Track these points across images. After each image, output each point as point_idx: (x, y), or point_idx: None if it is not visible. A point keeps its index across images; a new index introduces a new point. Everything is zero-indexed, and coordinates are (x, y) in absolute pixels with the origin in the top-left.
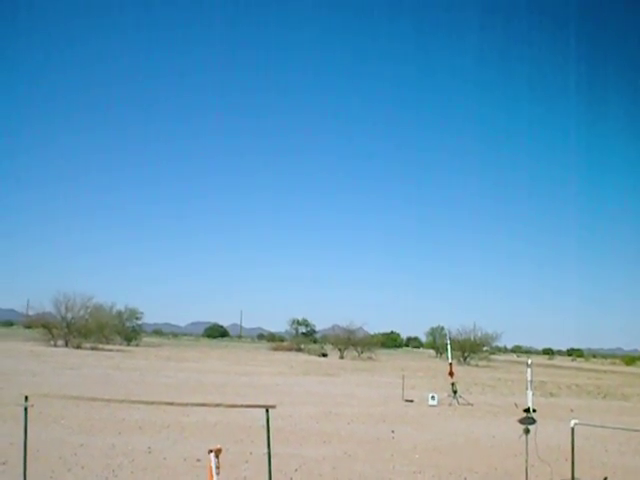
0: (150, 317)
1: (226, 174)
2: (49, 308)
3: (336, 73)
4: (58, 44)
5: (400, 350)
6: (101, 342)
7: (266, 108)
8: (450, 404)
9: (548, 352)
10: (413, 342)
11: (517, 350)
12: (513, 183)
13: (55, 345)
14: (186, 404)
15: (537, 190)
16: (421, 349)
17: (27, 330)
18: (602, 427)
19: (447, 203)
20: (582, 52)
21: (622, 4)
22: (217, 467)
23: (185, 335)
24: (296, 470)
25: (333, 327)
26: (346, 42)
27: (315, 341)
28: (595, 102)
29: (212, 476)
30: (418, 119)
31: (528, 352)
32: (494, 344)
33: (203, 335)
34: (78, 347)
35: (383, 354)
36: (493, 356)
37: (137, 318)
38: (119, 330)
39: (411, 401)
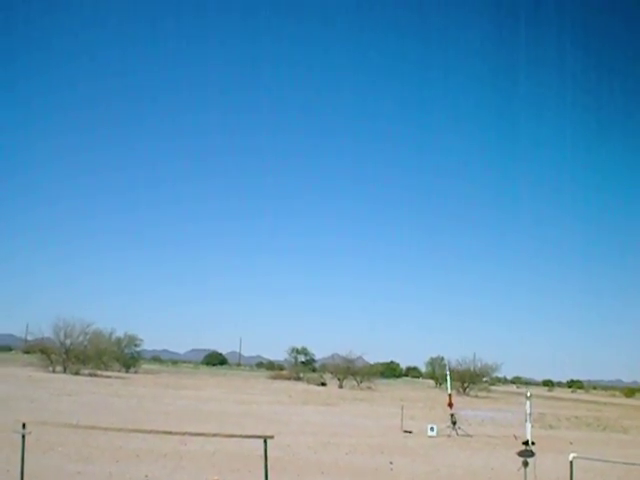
0: (149, 344)
1: (224, 197)
2: (48, 333)
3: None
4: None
5: (399, 380)
6: (99, 368)
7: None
8: (449, 435)
9: (548, 383)
10: (413, 372)
11: (517, 381)
12: (509, 211)
13: (53, 371)
14: (184, 433)
15: (535, 220)
16: (420, 379)
17: (26, 355)
18: (601, 461)
19: (446, 233)
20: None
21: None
22: None
23: (184, 362)
24: None
25: (332, 356)
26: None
27: (314, 370)
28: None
29: None
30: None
31: (528, 383)
32: (494, 375)
33: (202, 363)
34: (76, 373)
35: (382, 384)
36: (493, 387)
37: (136, 345)
38: (118, 357)
39: (410, 432)
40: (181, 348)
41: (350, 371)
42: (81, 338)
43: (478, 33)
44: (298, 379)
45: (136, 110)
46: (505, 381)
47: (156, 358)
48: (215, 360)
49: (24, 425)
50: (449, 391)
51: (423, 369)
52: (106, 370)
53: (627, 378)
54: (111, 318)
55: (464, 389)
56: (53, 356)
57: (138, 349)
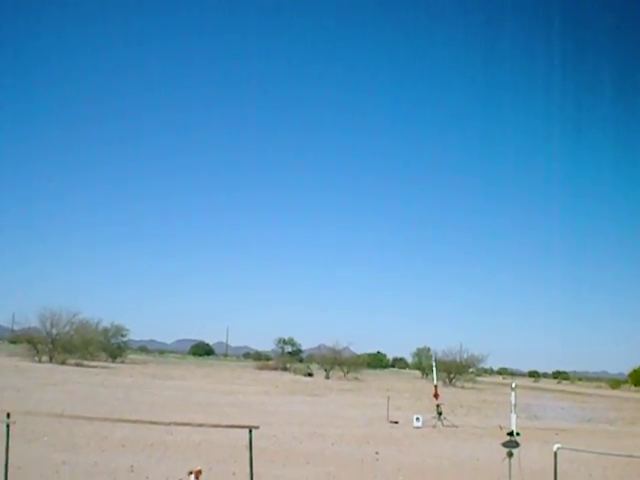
0: (136, 334)
1: (211, 191)
2: (34, 323)
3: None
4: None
5: (386, 371)
6: (86, 358)
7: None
8: (435, 426)
9: (534, 374)
10: (399, 363)
11: (503, 372)
12: (495, 202)
13: (40, 361)
14: (170, 423)
15: (521, 211)
16: (407, 370)
17: (12, 345)
18: (586, 451)
19: (432, 224)
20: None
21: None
22: None
23: (171, 352)
24: None
25: (319, 347)
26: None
27: (301, 360)
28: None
29: None
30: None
31: (514, 374)
32: (480, 366)
33: (189, 353)
34: (63, 363)
35: (369, 374)
36: (479, 378)
37: (123, 335)
38: (104, 347)
39: (396, 422)
40: (168, 338)
41: (337, 362)
42: (67, 328)
43: (470, 27)
44: (285, 369)
45: (131, 105)
46: (491, 372)
47: (143, 348)
48: (202, 350)
49: (8, 415)
50: (435, 382)
51: (410, 360)
52: (92, 360)
53: (613, 370)
54: (98, 308)
55: (450, 380)
56: (39, 346)
57: (125, 339)
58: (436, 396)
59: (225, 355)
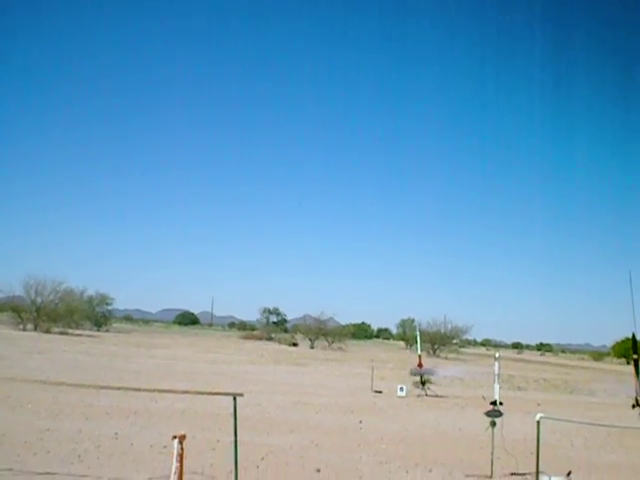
0: (121, 303)
1: (198, 166)
2: (19, 292)
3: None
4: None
5: (370, 341)
6: (71, 327)
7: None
8: (418, 395)
9: (517, 346)
10: (384, 333)
11: (487, 344)
12: (481, 174)
13: (24, 329)
14: (153, 390)
15: (506, 182)
16: (391, 340)
17: None
18: (568, 421)
19: (416, 195)
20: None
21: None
22: (179, 454)
23: (156, 322)
24: (262, 458)
25: (304, 317)
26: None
27: (286, 330)
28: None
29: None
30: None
31: (498, 346)
32: (464, 337)
33: (174, 322)
34: (47, 331)
35: (353, 345)
36: (463, 349)
37: (107, 304)
38: (89, 315)
39: (380, 392)
40: (153, 307)
41: (321, 332)
42: (52, 296)
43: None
44: (270, 339)
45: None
46: (475, 343)
47: (128, 317)
48: (187, 320)
49: None
50: (419, 352)
51: (394, 330)
52: (77, 328)
53: (596, 342)
54: (83, 277)
55: (434, 351)
56: (24, 314)
57: (109, 308)
58: (420, 366)
59: (210, 325)
